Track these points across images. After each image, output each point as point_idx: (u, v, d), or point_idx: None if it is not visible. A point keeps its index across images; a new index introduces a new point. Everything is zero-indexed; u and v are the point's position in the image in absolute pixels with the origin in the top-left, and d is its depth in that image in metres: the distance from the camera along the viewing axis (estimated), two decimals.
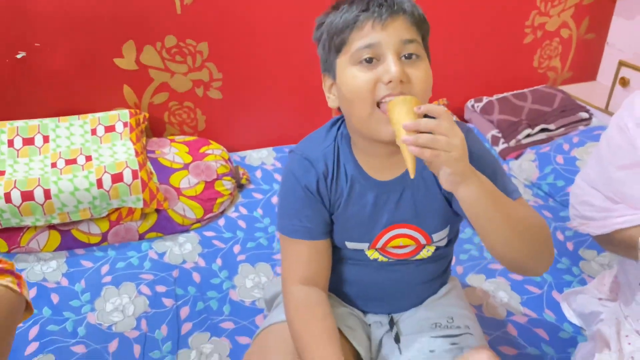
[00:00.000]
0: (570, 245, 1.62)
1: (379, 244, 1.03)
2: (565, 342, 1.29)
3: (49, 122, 1.70)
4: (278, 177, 1.92)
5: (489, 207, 0.81)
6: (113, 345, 1.30)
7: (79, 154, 1.63)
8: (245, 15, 1.86)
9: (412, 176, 0.79)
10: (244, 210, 1.77)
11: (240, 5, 1.83)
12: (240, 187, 1.87)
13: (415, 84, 0.86)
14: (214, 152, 1.83)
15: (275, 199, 1.82)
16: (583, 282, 1.47)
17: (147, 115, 1.86)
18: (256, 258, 1.57)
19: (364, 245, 1.03)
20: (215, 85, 1.95)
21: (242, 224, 1.71)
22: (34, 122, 1.69)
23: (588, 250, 1.59)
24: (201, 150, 1.83)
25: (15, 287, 0.85)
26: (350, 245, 1.04)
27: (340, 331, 1.03)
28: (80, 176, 1.54)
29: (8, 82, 1.72)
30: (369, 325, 1.13)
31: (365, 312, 1.15)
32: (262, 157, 2.02)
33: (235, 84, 1.97)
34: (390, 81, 0.84)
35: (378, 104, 0.86)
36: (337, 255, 1.07)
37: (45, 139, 1.67)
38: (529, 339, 1.30)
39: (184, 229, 1.67)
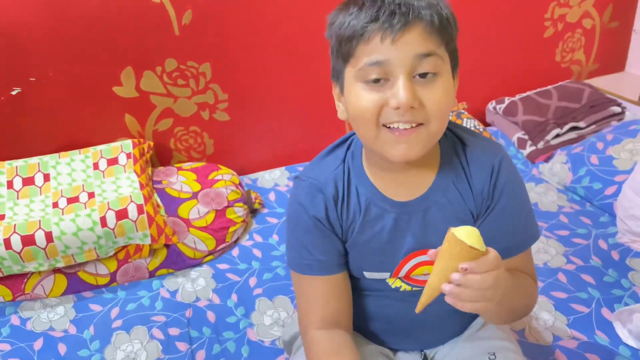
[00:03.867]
0: (615, 255, 1.47)
1: (402, 273, 0.92)
2: None
3: (49, 159, 1.62)
4: None
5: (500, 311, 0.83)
6: None
7: (81, 191, 1.54)
8: (247, 30, 1.76)
9: (417, 311, 0.73)
10: (258, 238, 1.67)
11: (241, 20, 1.74)
12: (253, 212, 1.77)
13: (430, 108, 0.74)
14: (224, 177, 1.73)
15: None
16: (635, 297, 1.33)
17: (151, 143, 1.77)
18: (274, 291, 1.45)
19: (384, 275, 0.93)
20: (221, 107, 1.85)
21: (257, 253, 1.61)
22: (34, 160, 1.61)
23: (637, 259, 1.44)
24: (210, 177, 1.73)
25: None
26: (369, 275, 0.93)
27: None
28: (83, 215, 1.45)
29: (4, 120, 1.64)
30: None
31: (394, 350, 1.03)
32: (274, 178, 1.92)
33: (241, 103, 1.87)
34: (398, 107, 0.73)
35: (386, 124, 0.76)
36: (355, 287, 0.96)
37: (46, 178, 1.58)
38: None
39: (196, 263, 1.57)
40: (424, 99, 0.74)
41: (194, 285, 1.50)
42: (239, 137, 1.92)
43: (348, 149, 0.91)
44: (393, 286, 0.94)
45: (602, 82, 2.25)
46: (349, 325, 0.94)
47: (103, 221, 1.44)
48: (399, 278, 0.93)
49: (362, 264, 0.92)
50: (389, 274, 0.92)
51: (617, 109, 1.99)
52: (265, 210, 1.78)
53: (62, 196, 1.53)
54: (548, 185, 1.83)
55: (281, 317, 1.37)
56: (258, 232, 1.69)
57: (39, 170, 1.59)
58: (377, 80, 0.74)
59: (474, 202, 0.87)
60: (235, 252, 1.62)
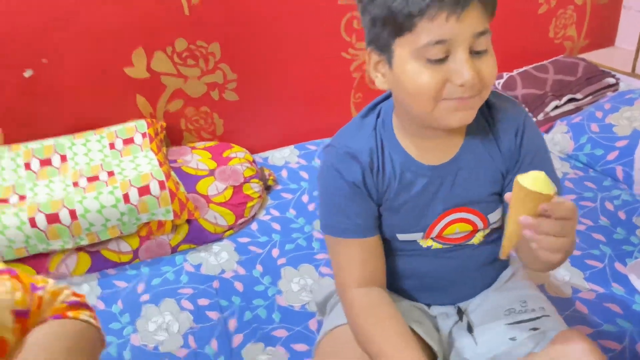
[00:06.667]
0: (622, 214, 1.54)
1: (434, 233, 0.96)
2: None
3: (64, 141, 1.62)
4: (305, 175, 1.84)
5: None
6: None
7: (100, 170, 1.55)
8: (256, 10, 1.78)
9: (503, 257, 0.75)
10: (275, 212, 1.70)
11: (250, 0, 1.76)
12: (267, 188, 1.79)
13: (485, 83, 0.78)
14: (238, 155, 1.76)
15: (306, 198, 1.74)
16: None
17: (164, 124, 1.78)
18: (298, 260, 1.49)
19: (417, 236, 0.97)
20: (230, 86, 1.87)
21: (276, 226, 1.64)
22: (49, 141, 1.61)
23: None
24: (224, 155, 1.75)
25: (95, 322, 0.78)
26: (401, 237, 0.97)
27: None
28: (106, 192, 1.46)
29: (18, 102, 1.63)
30: (435, 317, 1.06)
31: (428, 305, 1.07)
32: (285, 156, 1.94)
33: (250, 83, 1.89)
34: (463, 85, 0.76)
35: None
36: (387, 248, 0.99)
37: (63, 158, 1.59)
38: (602, 315, 1.23)
39: (217, 238, 1.59)
40: (481, 74, 0.77)
41: (218, 259, 1.52)
42: (248, 116, 1.94)
43: (378, 117, 0.94)
44: (425, 246, 0.98)
45: (593, 57, 2.33)
46: (384, 284, 0.98)
47: (126, 198, 1.45)
48: (431, 238, 0.97)
49: (395, 227, 0.96)
50: (421, 234, 0.96)
51: (611, 80, 2.06)
52: (279, 187, 1.81)
53: (81, 176, 1.54)
54: (551, 155, 1.89)
55: (308, 284, 1.41)
56: (275, 207, 1.72)
57: (55, 152, 1.59)
58: (440, 60, 0.76)
59: (503, 161, 0.92)
60: (254, 226, 1.65)
